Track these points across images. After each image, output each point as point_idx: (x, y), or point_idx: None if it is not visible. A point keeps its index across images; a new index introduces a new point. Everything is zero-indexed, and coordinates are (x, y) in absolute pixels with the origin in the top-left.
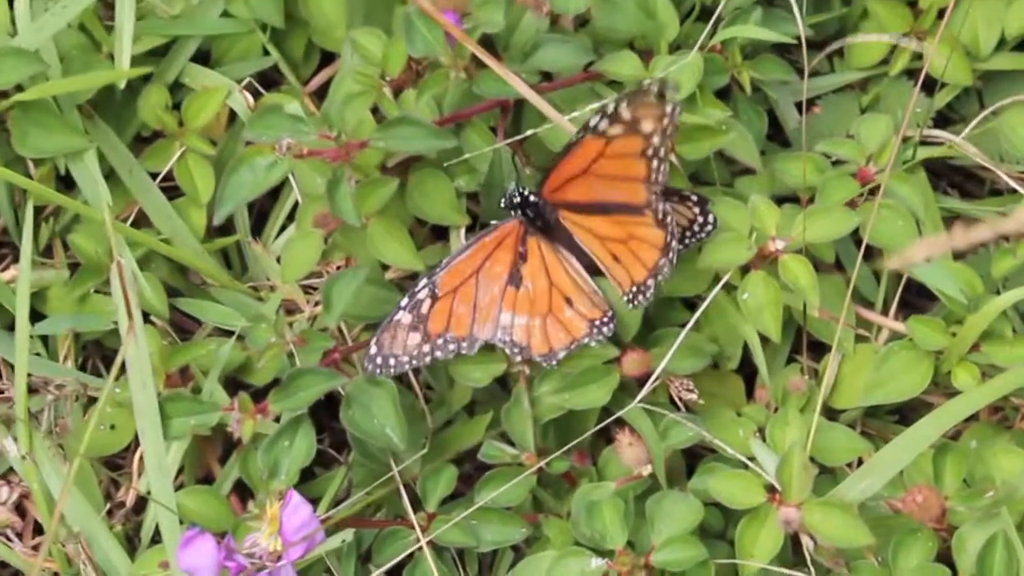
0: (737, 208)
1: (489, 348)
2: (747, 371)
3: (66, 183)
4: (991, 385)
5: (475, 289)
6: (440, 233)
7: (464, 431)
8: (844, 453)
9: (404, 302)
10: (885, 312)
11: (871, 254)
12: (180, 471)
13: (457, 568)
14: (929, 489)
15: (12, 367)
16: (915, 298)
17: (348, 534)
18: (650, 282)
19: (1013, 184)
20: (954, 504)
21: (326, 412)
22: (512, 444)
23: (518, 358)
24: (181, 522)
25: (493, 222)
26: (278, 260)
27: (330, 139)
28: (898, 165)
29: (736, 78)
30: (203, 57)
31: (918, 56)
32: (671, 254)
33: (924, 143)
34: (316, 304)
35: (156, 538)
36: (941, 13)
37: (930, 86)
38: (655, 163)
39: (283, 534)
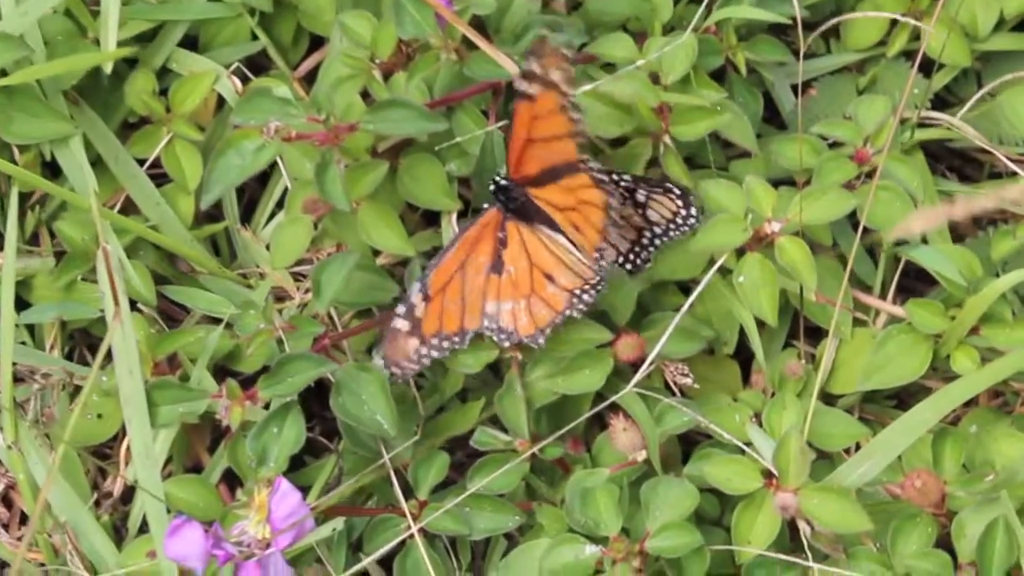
0: (732, 190)
1: (480, 334)
2: (743, 356)
3: (52, 170)
4: (991, 369)
5: (462, 283)
6: (431, 218)
7: (456, 418)
8: (842, 438)
9: (400, 309)
10: (883, 296)
11: (869, 238)
12: (169, 461)
13: (449, 556)
14: (928, 474)
15: None
16: (913, 282)
17: (339, 522)
18: (604, 245)
19: (1012, 166)
20: (954, 489)
21: (316, 400)
22: (505, 430)
23: (506, 344)
24: (169, 511)
25: (484, 206)
26: (267, 247)
27: (319, 122)
28: (896, 147)
29: (731, 59)
30: (191, 42)
31: (916, 37)
32: (613, 213)
33: (922, 125)
34: (306, 291)
35: (144, 528)
36: None
37: (928, 68)
38: (573, 113)
39: (272, 521)
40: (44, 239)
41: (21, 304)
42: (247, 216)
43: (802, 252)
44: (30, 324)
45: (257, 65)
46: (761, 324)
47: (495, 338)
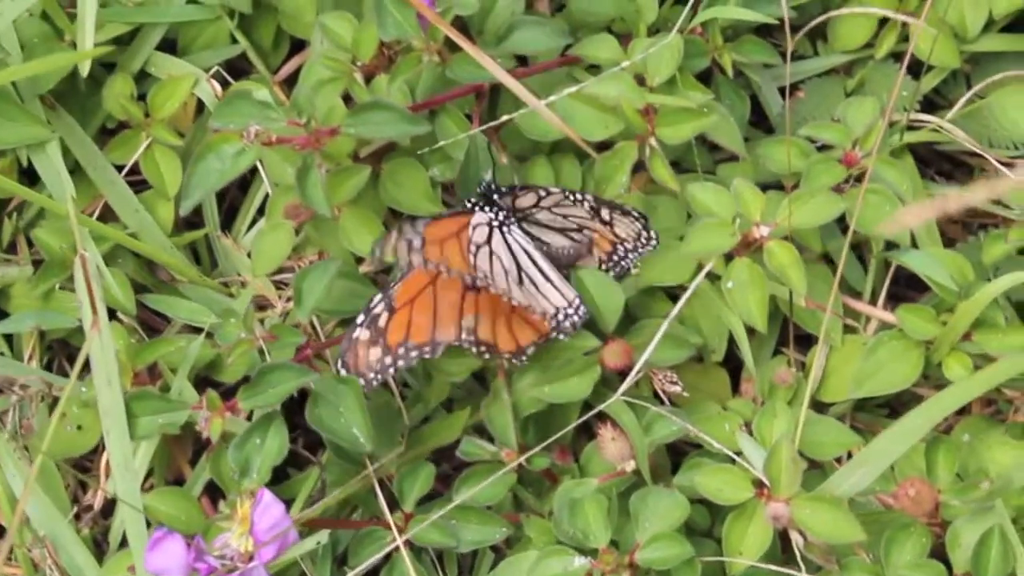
0: (720, 193)
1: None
2: (731, 365)
3: (29, 177)
4: (984, 375)
5: (433, 298)
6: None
7: (441, 428)
8: (833, 447)
9: (360, 319)
10: (873, 302)
11: (858, 243)
12: (150, 473)
13: (436, 570)
14: (922, 482)
15: None
16: (903, 289)
17: (323, 535)
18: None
19: (1002, 169)
20: (948, 498)
21: (299, 411)
22: (491, 440)
23: (486, 356)
24: (149, 524)
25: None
26: (248, 256)
27: (300, 126)
28: (884, 149)
29: (718, 61)
30: (169, 45)
31: (904, 39)
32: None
33: (911, 128)
34: (288, 300)
35: (125, 542)
36: None
37: (916, 70)
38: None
39: (254, 534)
40: (21, 247)
41: None
42: (228, 223)
43: (791, 256)
44: (8, 334)
45: (237, 69)
46: (750, 331)
47: (473, 350)
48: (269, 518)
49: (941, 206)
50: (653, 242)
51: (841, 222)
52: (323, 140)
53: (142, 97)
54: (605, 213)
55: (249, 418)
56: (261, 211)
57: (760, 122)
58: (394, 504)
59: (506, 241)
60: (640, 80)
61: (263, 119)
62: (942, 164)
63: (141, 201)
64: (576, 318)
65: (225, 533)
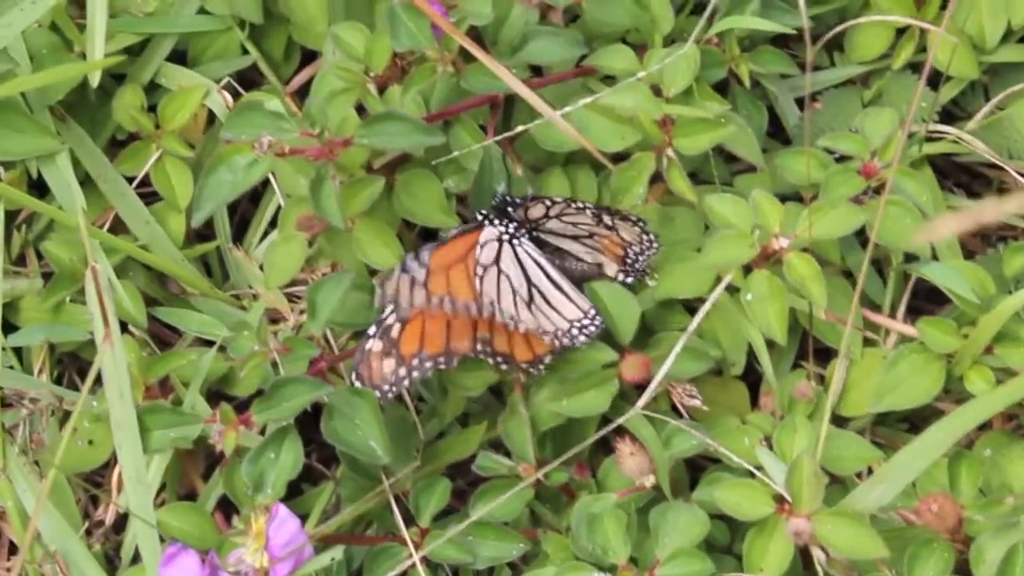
0: (739, 204)
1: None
2: (750, 378)
3: (39, 189)
4: (1006, 389)
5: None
6: (428, 236)
7: (457, 442)
8: (854, 462)
9: (372, 330)
10: (892, 315)
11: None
12: (162, 489)
13: None
14: (945, 497)
15: None
16: (921, 303)
17: (338, 551)
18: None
19: (1021, 180)
20: (971, 513)
21: (312, 425)
22: (507, 455)
23: (503, 367)
24: (162, 540)
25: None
26: (261, 268)
27: (313, 136)
28: (904, 161)
29: (734, 71)
30: (179, 56)
31: (922, 49)
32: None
33: (928, 139)
34: (301, 312)
35: (137, 558)
36: (945, 3)
37: (933, 81)
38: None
39: (269, 550)
40: (31, 260)
41: (8, 327)
42: (239, 236)
43: (811, 268)
44: (17, 347)
45: (248, 80)
46: (769, 344)
47: (489, 361)
48: (284, 533)
49: (976, 217)
50: (655, 244)
51: (859, 235)
52: (336, 151)
53: (152, 108)
54: (607, 219)
55: (262, 432)
56: (273, 223)
57: (776, 133)
58: (409, 520)
59: (516, 255)
60: (656, 91)
61: (276, 130)
62: (959, 175)
63: (152, 213)
64: (592, 328)
65: (240, 549)
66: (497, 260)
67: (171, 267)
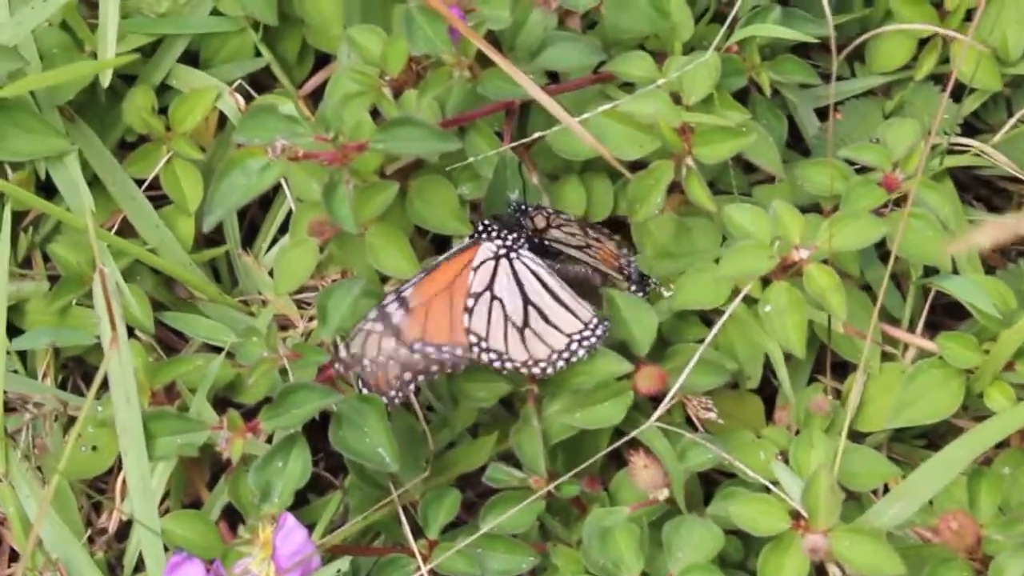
0: (758, 215)
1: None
2: (765, 392)
3: (47, 192)
4: None
5: (450, 301)
6: (441, 243)
7: (467, 453)
8: (871, 478)
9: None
10: (911, 329)
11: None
12: (166, 496)
13: None
14: (965, 515)
15: None
16: (939, 317)
17: (344, 562)
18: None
19: None
20: (990, 532)
21: (320, 434)
22: (518, 467)
23: (496, 364)
24: (166, 548)
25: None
26: (270, 274)
27: (327, 141)
28: (925, 173)
29: (755, 80)
30: (191, 58)
31: (944, 61)
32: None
33: (950, 152)
34: (310, 319)
35: (139, 566)
36: (969, 15)
37: (955, 93)
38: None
39: (276, 560)
40: (37, 262)
41: (13, 330)
42: (248, 241)
43: (832, 280)
44: (22, 351)
45: (260, 83)
46: (786, 358)
47: (483, 358)
48: (292, 544)
49: (1014, 227)
50: (632, 255)
51: (877, 247)
52: (351, 155)
53: (163, 110)
54: (590, 231)
55: (269, 440)
56: (283, 229)
57: (795, 143)
58: (418, 531)
59: (514, 269)
60: (676, 98)
61: (289, 133)
62: (979, 189)
63: (161, 216)
64: (593, 340)
65: (246, 558)
66: (491, 284)
67: (179, 272)
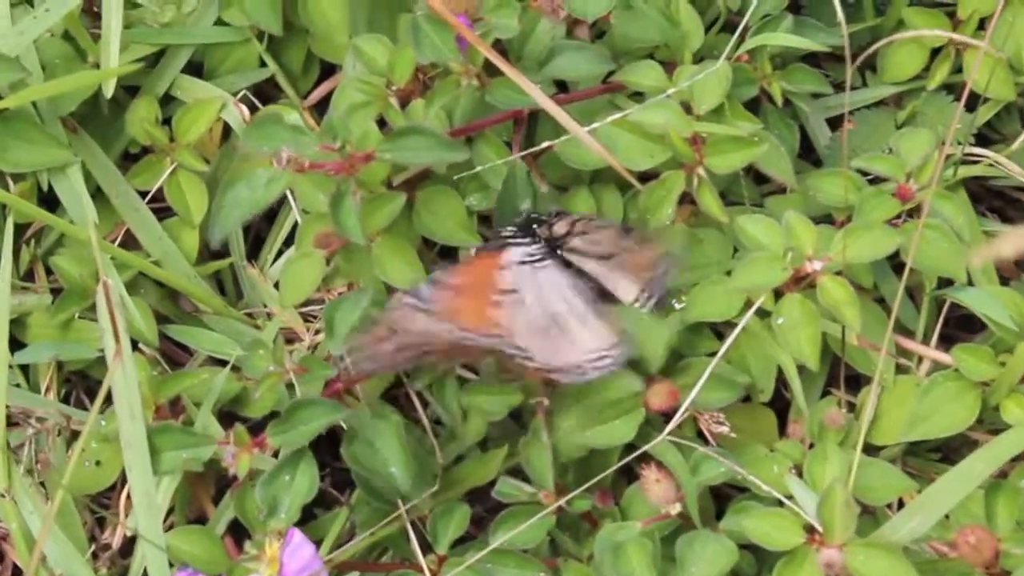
0: (771, 226)
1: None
2: (777, 406)
3: (49, 204)
4: None
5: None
6: (449, 254)
7: (476, 467)
8: (886, 492)
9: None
10: (925, 342)
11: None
12: (170, 512)
13: None
14: (983, 529)
15: None
16: (953, 330)
17: None
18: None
19: None
20: (1009, 546)
21: (326, 448)
22: (527, 481)
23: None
24: (171, 564)
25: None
26: (275, 286)
27: (333, 150)
28: (940, 183)
29: (766, 89)
30: (195, 68)
31: (957, 70)
32: None
33: (963, 162)
34: (317, 332)
35: None
36: (982, 24)
37: (968, 103)
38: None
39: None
40: (40, 275)
41: (15, 344)
42: (253, 253)
43: (846, 292)
44: (24, 365)
45: (265, 94)
46: (799, 371)
47: (509, 351)
48: (299, 560)
49: None
50: (679, 264)
51: (892, 260)
52: (357, 166)
53: (167, 121)
54: (632, 236)
55: (275, 455)
56: (288, 241)
57: (806, 154)
58: (426, 547)
59: (539, 280)
60: (686, 108)
61: (295, 143)
62: (992, 200)
63: (165, 229)
64: (607, 362)
65: (252, 574)
66: (519, 285)
67: (184, 284)
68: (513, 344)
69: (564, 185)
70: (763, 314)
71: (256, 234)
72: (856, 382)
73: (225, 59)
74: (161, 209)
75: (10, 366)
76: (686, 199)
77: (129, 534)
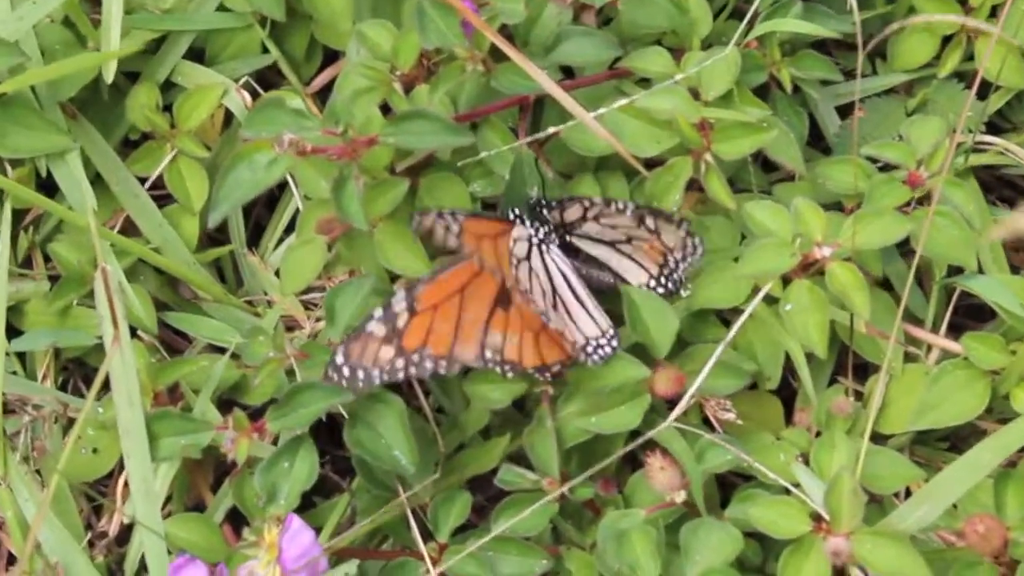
0: (779, 212)
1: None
2: (783, 393)
3: (48, 190)
4: None
5: (459, 308)
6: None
7: (478, 455)
8: (893, 480)
9: (378, 313)
10: (934, 330)
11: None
12: (168, 500)
13: None
14: (992, 518)
15: None
16: (961, 318)
17: (352, 566)
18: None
19: None
20: (1018, 535)
21: (326, 435)
22: (530, 468)
23: (509, 375)
24: (169, 551)
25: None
26: (276, 273)
27: (336, 135)
28: (950, 170)
29: (775, 76)
30: (197, 54)
31: (968, 58)
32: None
33: (974, 150)
34: (317, 320)
35: (141, 570)
36: (994, 12)
37: (979, 91)
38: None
39: (283, 562)
40: (37, 261)
41: (12, 331)
42: (254, 241)
43: (855, 279)
44: (21, 352)
45: (267, 80)
46: (806, 358)
47: (496, 369)
48: (298, 546)
49: None
50: (700, 249)
51: (902, 248)
52: (360, 150)
53: (168, 108)
54: (650, 221)
55: (274, 442)
56: (289, 228)
57: (815, 142)
58: (427, 534)
59: (544, 261)
60: (694, 94)
61: (297, 128)
62: (1002, 189)
63: (164, 215)
64: (607, 349)
65: (251, 561)
66: (528, 257)
67: (183, 271)
68: (535, 304)
69: (569, 172)
70: (771, 301)
71: (256, 222)
72: (864, 370)
73: (227, 45)
74: (161, 196)
75: (7, 353)
76: (693, 186)
77: (126, 521)
